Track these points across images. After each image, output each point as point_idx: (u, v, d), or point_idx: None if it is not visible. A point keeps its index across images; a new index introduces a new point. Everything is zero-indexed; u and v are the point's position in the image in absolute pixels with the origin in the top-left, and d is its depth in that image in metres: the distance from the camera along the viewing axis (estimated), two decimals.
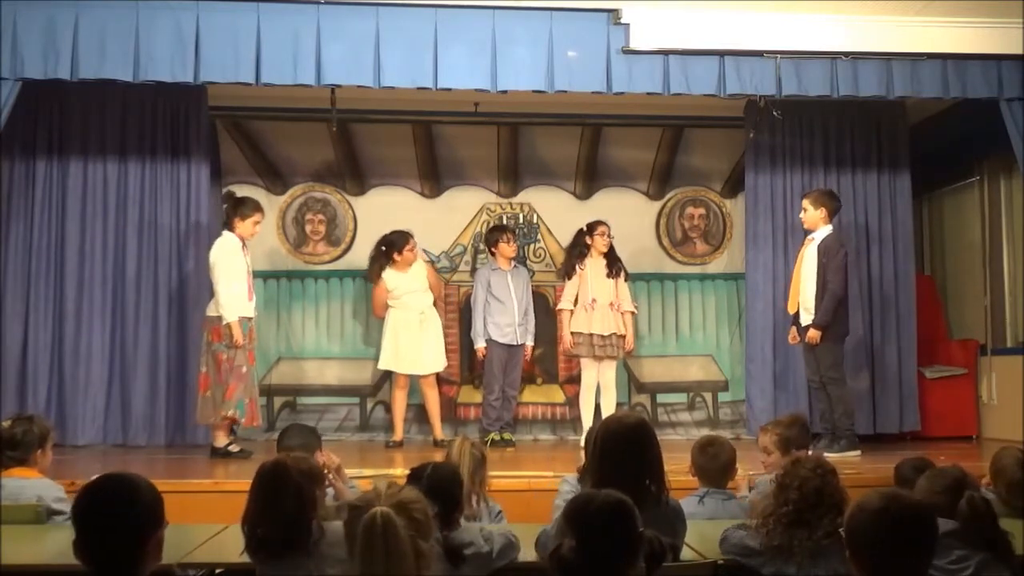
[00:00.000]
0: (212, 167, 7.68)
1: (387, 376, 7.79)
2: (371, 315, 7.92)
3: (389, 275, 7.20)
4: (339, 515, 2.73)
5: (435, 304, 7.38)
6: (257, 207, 6.62)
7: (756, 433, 7.64)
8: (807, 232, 6.77)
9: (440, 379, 7.50)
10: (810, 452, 4.09)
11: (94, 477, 2.37)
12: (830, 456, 3.27)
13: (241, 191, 7.30)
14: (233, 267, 6.40)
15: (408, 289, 7.18)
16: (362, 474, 5.08)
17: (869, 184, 7.90)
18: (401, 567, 2.05)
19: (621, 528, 2.33)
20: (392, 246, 7.18)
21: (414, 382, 7.29)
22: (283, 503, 2.79)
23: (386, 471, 5.30)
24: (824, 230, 6.60)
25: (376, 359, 7.40)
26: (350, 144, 8.10)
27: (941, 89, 6.47)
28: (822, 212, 6.61)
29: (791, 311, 6.77)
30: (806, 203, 6.70)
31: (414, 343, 7.13)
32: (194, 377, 6.65)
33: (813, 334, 6.41)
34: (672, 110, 7.69)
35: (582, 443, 4.48)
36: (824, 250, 6.50)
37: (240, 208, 6.53)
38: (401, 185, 8.16)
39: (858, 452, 6.36)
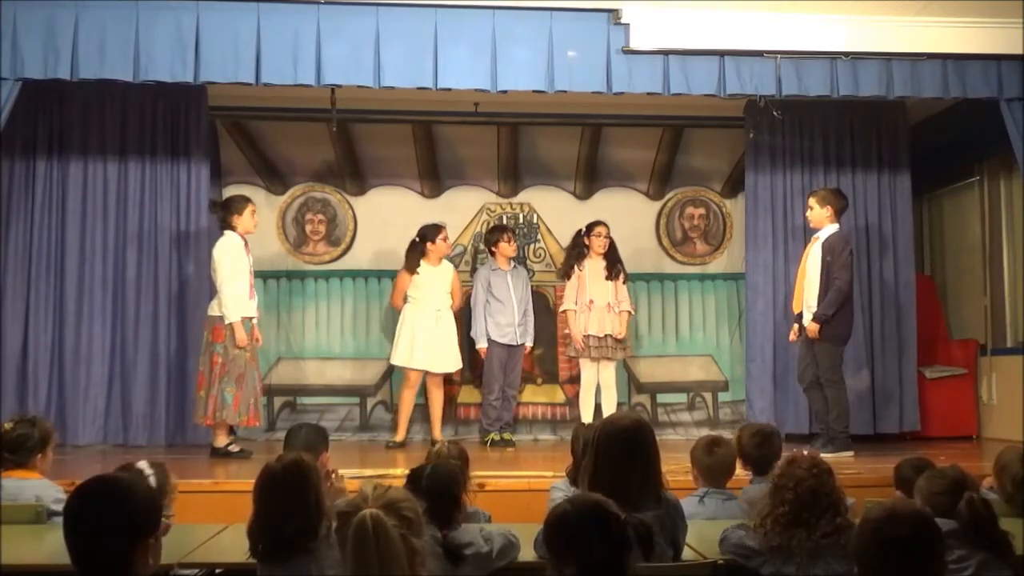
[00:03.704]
0: (212, 167, 7.67)
1: (387, 376, 7.79)
2: (371, 315, 7.95)
3: (420, 266, 7.21)
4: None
5: (453, 310, 7.34)
6: (246, 199, 6.68)
7: None
8: (812, 231, 6.77)
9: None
10: (805, 452, 4.08)
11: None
12: (824, 457, 3.29)
13: (241, 191, 7.34)
14: (237, 266, 6.41)
15: (431, 285, 7.19)
16: (362, 474, 5.09)
17: (869, 184, 7.90)
18: (395, 567, 2.05)
19: (607, 530, 2.31)
20: (425, 236, 7.22)
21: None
22: (306, 501, 2.79)
23: (386, 471, 5.30)
24: (829, 228, 6.60)
25: (387, 356, 7.40)
26: (350, 144, 8.10)
27: (941, 89, 6.47)
28: (828, 211, 6.60)
29: (796, 311, 6.76)
30: (812, 201, 6.70)
31: (431, 340, 7.10)
32: (194, 377, 6.66)
33: (812, 327, 6.40)
34: (672, 110, 7.69)
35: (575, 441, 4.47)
36: (829, 248, 6.49)
37: (232, 207, 6.55)
38: (401, 185, 8.17)
39: (851, 453, 6.37)
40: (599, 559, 2.27)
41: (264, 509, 2.82)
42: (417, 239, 7.28)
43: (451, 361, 7.24)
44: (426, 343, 7.10)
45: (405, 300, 7.23)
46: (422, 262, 7.22)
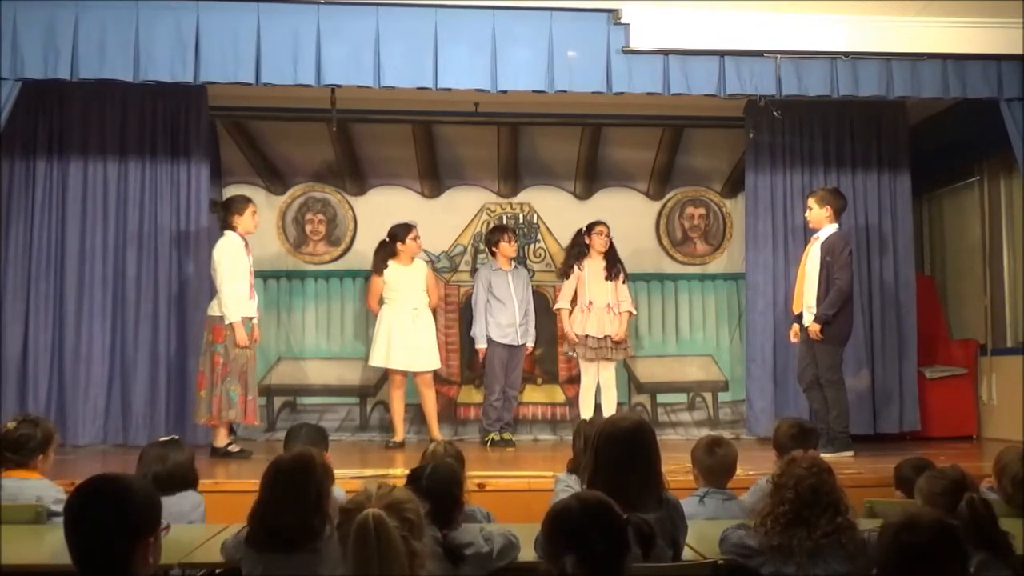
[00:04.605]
0: (212, 167, 7.67)
1: (387, 376, 7.79)
2: (371, 315, 7.92)
3: (390, 267, 7.18)
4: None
5: (431, 308, 7.32)
6: (246, 199, 6.68)
7: (756, 433, 7.73)
8: (812, 231, 6.76)
9: (440, 379, 7.50)
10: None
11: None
12: (824, 457, 3.31)
13: (241, 191, 7.34)
14: (237, 266, 6.41)
15: (405, 284, 7.15)
16: (362, 474, 5.09)
17: (869, 184, 7.90)
18: (395, 568, 2.05)
19: (609, 525, 2.33)
20: (395, 236, 7.19)
21: (410, 381, 7.27)
22: (306, 495, 2.81)
23: (386, 471, 5.30)
24: (829, 228, 6.59)
25: (366, 357, 7.40)
26: (350, 144, 8.10)
27: (941, 89, 6.47)
28: (827, 211, 6.60)
29: (796, 311, 6.76)
30: (811, 202, 6.69)
31: (408, 339, 7.07)
32: (194, 377, 6.66)
33: (814, 327, 6.40)
34: (672, 110, 7.69)
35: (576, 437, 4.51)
36: (829, 248, 6.49)
37: (232, 207, 6.55)
38: (401, 185, 8.17)
39: (851, 453, 6.36)
40: (599, 553, 2.27)
41: (267, 497, 2.85)
42: (387, 239, 7.25)
43: (430, 359, 7.19)
44: (403, 343, 7.06)
45: (381, 302, 7.21)
46: (392, 262, 7.17)
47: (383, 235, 7.58)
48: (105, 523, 2.16)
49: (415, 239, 7.21)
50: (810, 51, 6.33)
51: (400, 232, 7.19)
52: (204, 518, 3.90)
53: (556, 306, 7.51)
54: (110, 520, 2.16)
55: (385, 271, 7.16)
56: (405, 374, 7.18)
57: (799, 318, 6.67)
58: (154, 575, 2.27)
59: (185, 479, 3.89)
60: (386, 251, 7.22)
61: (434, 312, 7.38)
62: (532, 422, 8.06)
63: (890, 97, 6.56)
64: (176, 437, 4.23)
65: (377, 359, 7.15)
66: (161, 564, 2.31)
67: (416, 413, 7.56)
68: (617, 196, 8.26)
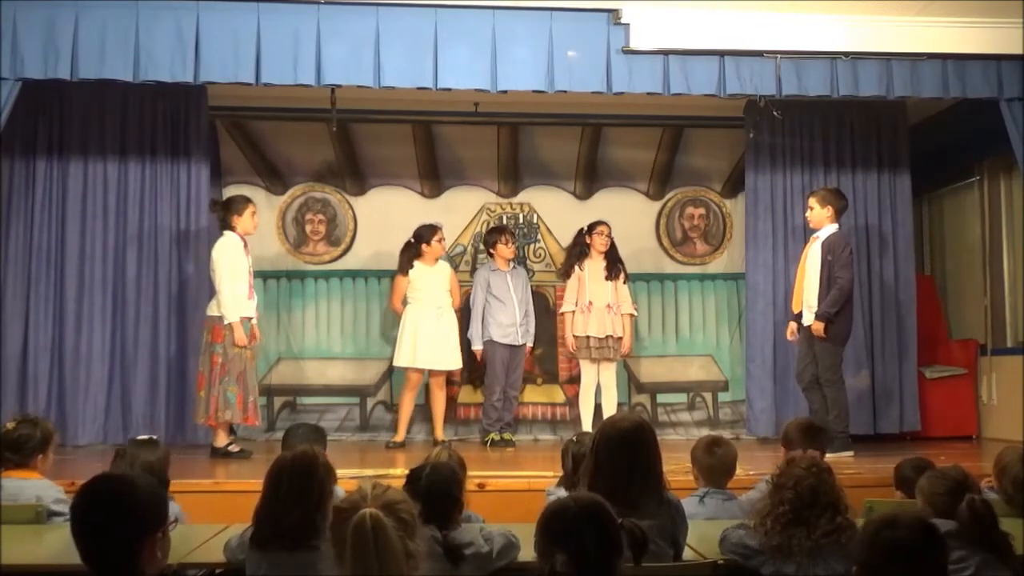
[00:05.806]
0: (212, 167, 7.68)
1: (387, 376, 7.80)
2: (371, 315, 7.95)
3: (415, 268, 7.21)
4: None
5: (454, 309, 7.34)
6: (246, 199, 6.69)
7: (756, 433, 7.73)
8: (812, 231, 6.77)
9: None
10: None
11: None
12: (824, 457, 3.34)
13: (241, 191, 7.35)
14: (236, 266, 6.41)
15: (429, 285, 7.18)
16: (362, 474, 5.09)
17: (869, 184, 7.90)
18: (393, 568, 2.05)
19: (603, 527, 2.34)
20: (420, 237, 7.22)
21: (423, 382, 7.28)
22: (309, 493, 2.82)
23: (386, 471, 5.30)
24: (829, 228, 6.60)
25: (388, 356, 7.43)
26: (350, 144, 8.10)
27: (941, 89, 6.48)
28: (829, 211, 6.60)
29: (795, 310, 6.76)
30: (812, 201, 6.70)
31: (433, 339, 7.10)
32: (194, 377, 6.66)
33: (817, 326, 6.40)
34: (672, 110, 7.69)
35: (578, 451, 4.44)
36: (829, 247, 6.50)
37: (232, 207, 6.56)
38: (401, 185, 8.17)
39: (851, 453, 6.36)
40: (590, 553, 2.28)
41: (270, 496, 2.87)
42: (412, 240, 7.27)
43: (453, 359, 7.23)
44: (428, 341, 7.09)
45: (405, 302, 7.23)
46: (417, 263, 7.21)
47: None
48: (111, 521, 2.18)
49: (440, 241, 7.26)
50: (810, 51, 6.34)
51: (426, 233, 7.22)
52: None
53: (562, 310, 7.47)
54: (116, 518, 2.18)
55: (410, 271, 7.19)
56: (422, 375, 7.18)
57: (798, 317, 6.67)
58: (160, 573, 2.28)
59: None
60: (411, 252, 7.24)
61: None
62: (532, 422, 8.06)
63: (890, 97, 6.57)
64: (154, 437, 4.20)
65: (403, 359, 7.16)
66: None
67: (418, 413, 7.56)
68: (617, 196, 8.26)
